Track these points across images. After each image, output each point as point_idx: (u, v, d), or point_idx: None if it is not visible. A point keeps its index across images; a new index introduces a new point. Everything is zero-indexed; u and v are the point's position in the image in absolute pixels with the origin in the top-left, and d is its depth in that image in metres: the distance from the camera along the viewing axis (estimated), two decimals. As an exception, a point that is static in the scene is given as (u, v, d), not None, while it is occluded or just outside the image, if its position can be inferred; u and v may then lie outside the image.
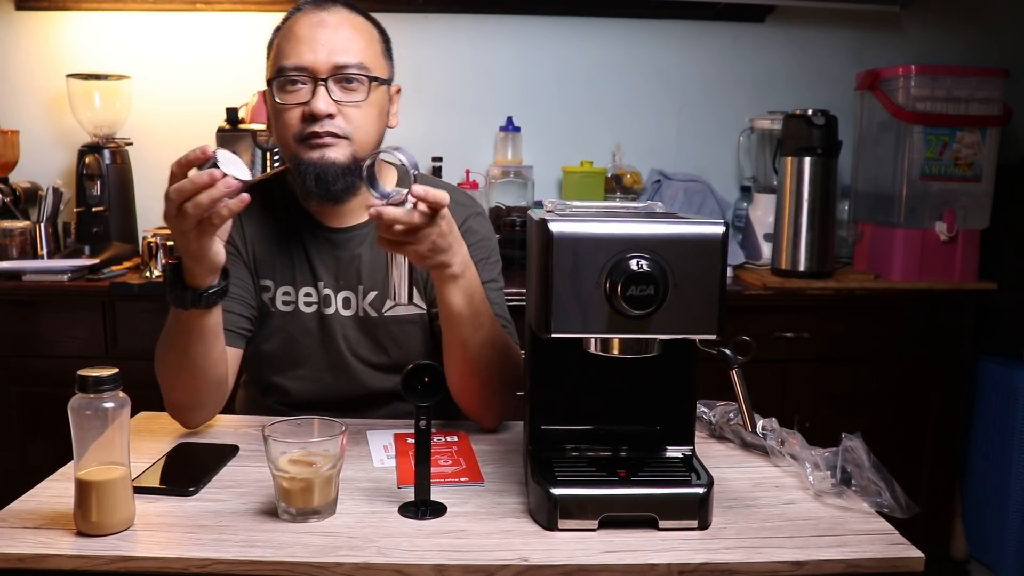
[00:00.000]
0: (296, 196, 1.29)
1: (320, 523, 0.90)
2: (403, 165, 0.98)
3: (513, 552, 0.84)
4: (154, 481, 0.99)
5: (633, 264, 0.83)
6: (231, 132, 2.30)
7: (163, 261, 2.09)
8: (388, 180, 1.26)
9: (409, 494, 0.95)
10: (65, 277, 2.06)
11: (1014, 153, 2.47)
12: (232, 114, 2.32)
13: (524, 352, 1.04)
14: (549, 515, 0.89)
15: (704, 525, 0.90)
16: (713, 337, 0.88)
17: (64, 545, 0.84)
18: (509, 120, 2.54)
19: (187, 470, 1.03)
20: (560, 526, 0.88)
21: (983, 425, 2.40)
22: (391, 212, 0.95)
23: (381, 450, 1.12)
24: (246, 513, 0.92)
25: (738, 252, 2.38)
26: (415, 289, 1.05)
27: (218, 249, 1.04)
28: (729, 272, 2.24)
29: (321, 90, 1.17)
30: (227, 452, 1.09)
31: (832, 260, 2.25)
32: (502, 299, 1.29)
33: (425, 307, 1.30)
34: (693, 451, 1.01)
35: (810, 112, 2.18)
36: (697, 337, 0.92)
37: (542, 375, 1.00)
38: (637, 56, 2.61)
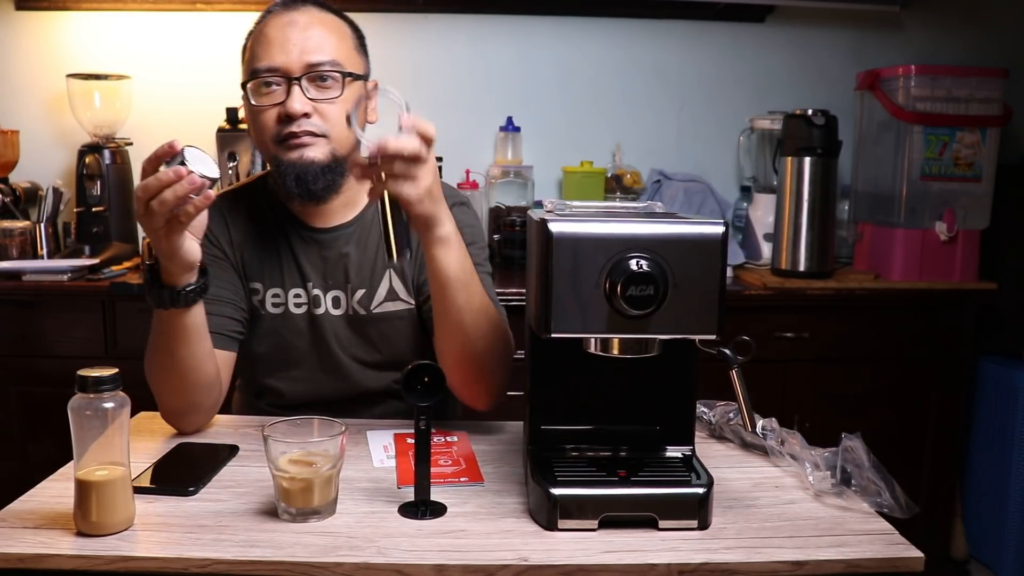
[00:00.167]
0: (280, 198, 1.29)
1: (320, 523, 0.90)
2: (402, 101, 0.97)
3: (513, 552, 0.84)
4: (154, 481, 0.99)
5: (633, 264, 0.83)
6: (231, 132, 2.30)
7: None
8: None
9: (409, 494, 0.95)
10: (65, 277, 2.06)
11: (1014, 153, 2.47)
12: (232, 114, 2.32)
13: (524, 352, 1.04)
14: (549, 515, 0.89)
15: (704, 525, 0.90)
16: (713, 337, 0.88)
17: (64, 545, 0.84)
18: (509, 120, 2.54)
19: (187, 470, 1.03)
20: (560, 526, 0.88)
21: (983, 425, 2.40)
22: (394, 142, 0.94)
23: (381, 450, 1.12)
24: (246, 513, 0.92)
25: (738, 252, 2.38)
26: (409, 251, 1.04)
27: (191, 247, 1.03)
28: (729, 272, 2.25)
29: (295, 90, 1.17)
30: (227, 452, 1.09)
31: (832, 260, 2.25)
32: (492, 286, 1.28)
33: (414, 302, 1.30)
34: (693, 451, 1.01)
35: (810, 112, 2.18)
36: (697, 337, 0.91)
37: (542, 375, 1.00)
38: (637, 56, 2.61)
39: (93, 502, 0.85)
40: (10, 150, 2.39)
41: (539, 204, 2.40)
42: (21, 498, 0.95)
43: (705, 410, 1.20)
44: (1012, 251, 2.35)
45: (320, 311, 1.29)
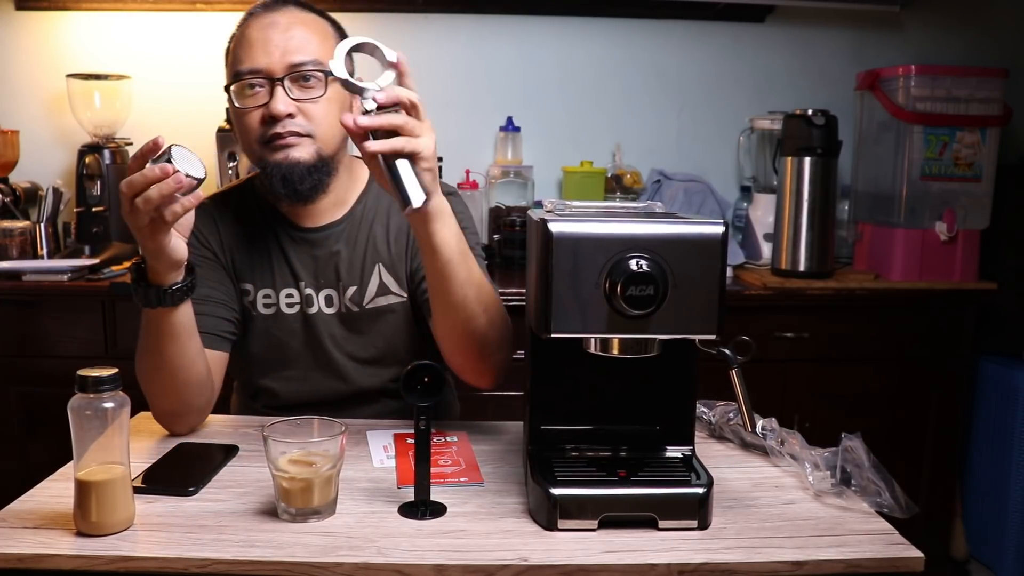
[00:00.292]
0: (269, 200, 1.29)
1: (320, 523, 0.90)
2: (397, 60, 0.95)
3: (513, 552, 0.84)
4: (154, 481, 0.99)
5: (633, 264, 0.83)
6: (231, 132, 2.30)
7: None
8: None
9: (409, 494, 0.95)
10: (65, 277, 2.06)
11: (1014, 153, 2.47)
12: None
13: (524, 352, 1.04)
14: (549, 515, 0.89)
15: (704, 525, 0.90)
16: (713, 337, 0.88)
17: (64, 545, 0.84)
18: (509, 120, 2.54)
19: (187, 470, 1.03)
20: (560, 526, 0.88)
21: (983, 425, 2.40)
22: (404, 90, 0.93)
23: (381, 450, 1.12)
24: (246, 513, 0.92)
25: (738, 252, 2.38)
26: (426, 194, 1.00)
27: (177, 245, 1.03)
28: (729, 272, 2.24)
29: (279, 91, 1.16)
30: (227, 452, 1.09)
31: (832, 260, 2.25)
32: (485, 270, 1.23)
33: (406, 294, 1.30)
34: (693, 451, 1.01)
35: (810, 112, 2.18)
36: (697, 337, 0.92)
37: (542, 375, 1.00)
38: (637, 56, 2.61)
39: (93, 502, 0.85)
40: (10, 150, 2.39)
41: (539, 204, 2.41)
42: (21, 498, 0.95)
43: (705, 410, 1.20)
44: (1012, 251, 2.35)
45: (313, 310, 1.29)
